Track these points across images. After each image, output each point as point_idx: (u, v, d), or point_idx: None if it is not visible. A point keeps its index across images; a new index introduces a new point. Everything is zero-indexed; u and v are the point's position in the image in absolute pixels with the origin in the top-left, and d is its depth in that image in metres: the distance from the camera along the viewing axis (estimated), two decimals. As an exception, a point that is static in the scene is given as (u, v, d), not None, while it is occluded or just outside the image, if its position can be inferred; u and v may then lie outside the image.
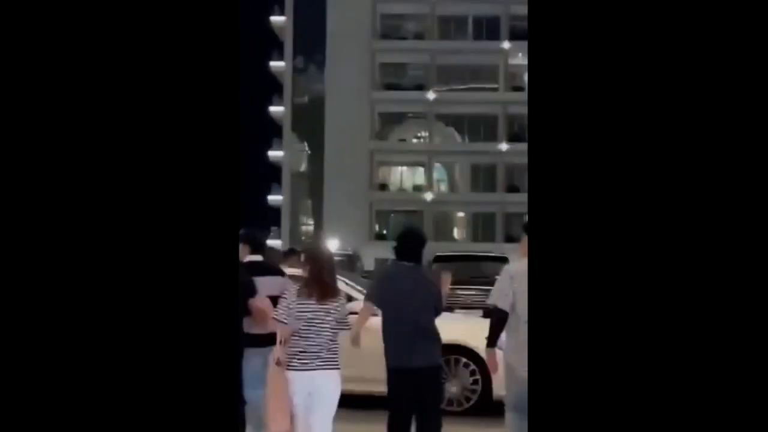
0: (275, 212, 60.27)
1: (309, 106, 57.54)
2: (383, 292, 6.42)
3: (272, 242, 53.77)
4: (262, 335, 6.44)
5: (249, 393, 6.24)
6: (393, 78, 54.55)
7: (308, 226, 57.86)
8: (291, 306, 5.56)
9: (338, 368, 5.63)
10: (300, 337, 5.55)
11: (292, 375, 5.56)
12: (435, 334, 6.43)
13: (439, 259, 18.58)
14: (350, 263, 21.41)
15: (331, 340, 5.62)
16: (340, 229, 49.86)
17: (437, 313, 6.51)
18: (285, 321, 5.56)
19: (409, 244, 6.58)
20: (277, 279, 6.94)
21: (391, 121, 54.47)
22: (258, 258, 7.03)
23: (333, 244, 50.36)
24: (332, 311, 5.63)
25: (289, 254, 10.59)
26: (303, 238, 55.65)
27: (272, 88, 60.10)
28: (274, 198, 60.16)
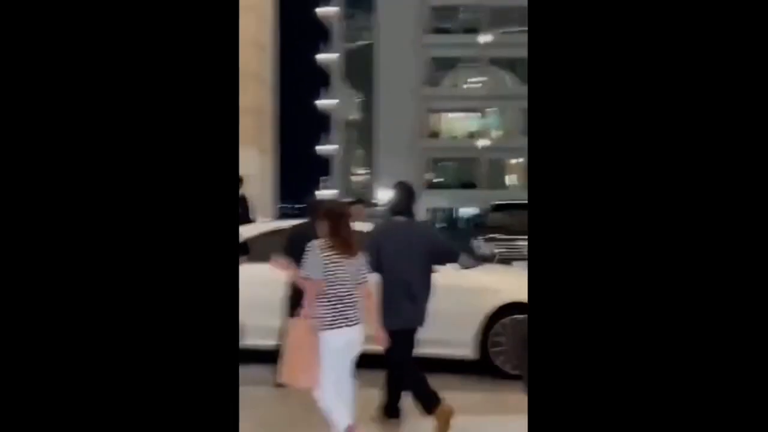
0: (325, 162, 59.82)
1: (358, 53, 56.65)
2: (379, 250, 6.32)
3: (324, 192, 53.27)
4: None
5: None
6: (444, 22, 53.20)
7: (359, 175, 57.26)
8: (316, 262, 5.53)
9: (361, 322, 5.69)
10: (329, 294, 5.55)
11: (326, 333, 5.55)
12: (428, 292, 6.47)
13: (496, 208, 17.88)
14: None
15: (357, 295, 5.69)
16: (392, 178, 48.94)
17: (446, 259, 6.61)
18: (314, 276, 5.53)
19: (400, 198, 6.57)
20: None
21: (443, 66, 53.25)
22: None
23: (385, 194, 49.84)
24: (355, 266, 5.69)
25: (356, 204, 10.55)
26: (355, 188, 55.11)
27: (320, 35, 59.26)
28: (323, 148, 59.69)
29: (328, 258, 5.58)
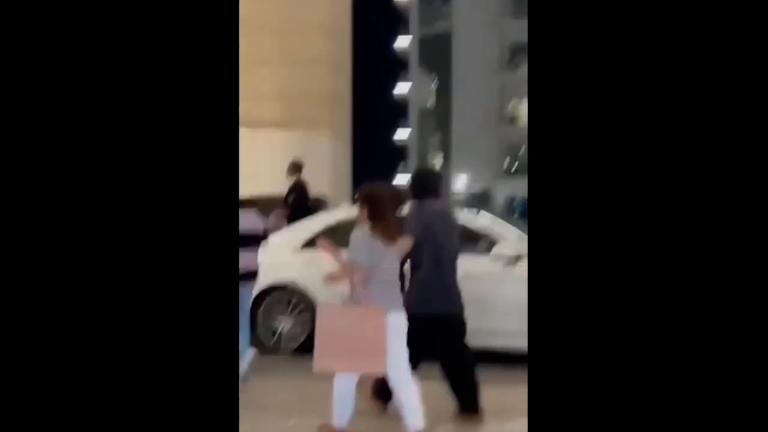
0: (401, 150, 59.61)
1: (435, 39, 56.18)
2: (428, 231, 6.08)
3: (400, 179, 53.08)
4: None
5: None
6: (522, 6, 52.36)
7: (437, 162, 56.88)
8: (362, 247, 5.42)
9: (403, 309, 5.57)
10: (371, 281, 5.43)
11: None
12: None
13: None
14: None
15: (398, 281, 5.60)
16: (469, 165, 48.65)
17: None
18: (360, 263, 5.40)
19: (428, 181, 6.43)
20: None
21: (520, 51, 52.44)
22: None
23: (462, 181, 49.36)
24: (396, 252, 5.58)
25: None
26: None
27: (396, 21, 58.95)
28: (401, 135, 59.48)
29: (372, 248, 5.45)
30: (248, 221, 7.17)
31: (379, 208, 5.54)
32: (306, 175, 13.66)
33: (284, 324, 9.05)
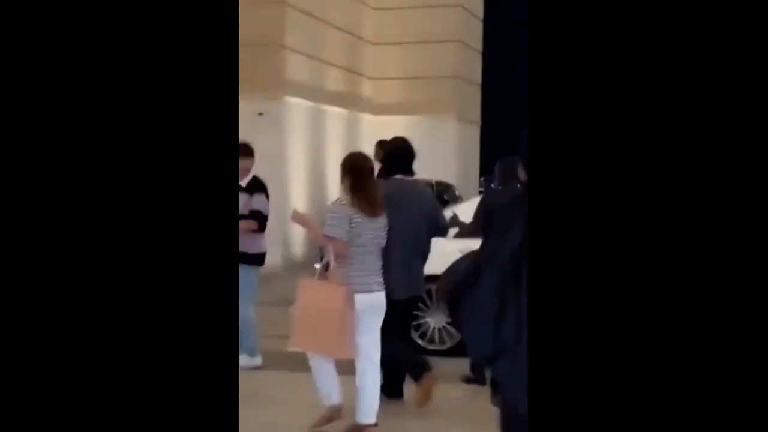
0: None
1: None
2: (390, 209, 5.47)
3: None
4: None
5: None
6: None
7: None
8: (341, 221, 5.11)
9: (383, 289, 5.29)
10: (353, 256, 5.14)
11: (358, 296, 5.15)
12: (425, 258, 5.98)
13: None
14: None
15: (380, 258, 5.28)
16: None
17: (439, 232, 6.07)
18: (337, 236, 5.09)
19: (400, 154, 6.03)
20: None
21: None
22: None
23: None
24: (378, 227, 5.24)
25: None
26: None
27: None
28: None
29: (354, 220, 5.11)
30: (259, 203, 6.90)
31: (361, 177, 5.18)
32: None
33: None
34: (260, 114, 14.82)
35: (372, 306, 5.19)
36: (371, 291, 5.18)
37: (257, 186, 6.90)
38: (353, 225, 5.11)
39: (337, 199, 5.29)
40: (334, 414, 5.32)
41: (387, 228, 5.31)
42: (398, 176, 5.94)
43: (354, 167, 5.23)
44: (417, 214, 5.81)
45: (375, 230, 5.21)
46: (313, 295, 5.18)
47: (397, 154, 6.07)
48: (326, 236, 5.15)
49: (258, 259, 6.94)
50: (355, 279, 5.14)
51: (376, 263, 5.23)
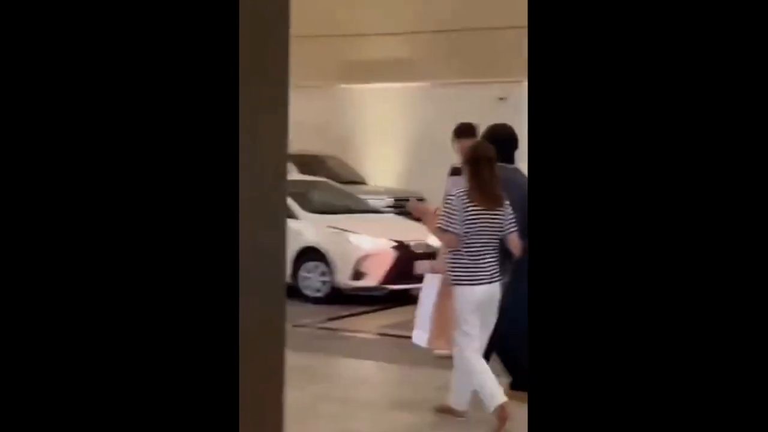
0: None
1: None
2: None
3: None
4: None
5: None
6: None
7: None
8: (455, 213, 4.96)
9: (500, 280, 5.13)
10: (467, 249, 4.98)
11: (462, 289, 5.01)
12: None
13: None
14: None
15: (497, 250, 5.08)
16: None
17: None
18: (452, 229, 4.96)
19: (502, 141, 5.65)
20: None
21: None
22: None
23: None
24: (498, 219, 5.03)
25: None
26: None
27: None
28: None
29: (470, 212, 4.95)
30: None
31: (480, 169, 5.00)
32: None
33: None
34: (501, 99, 14.69)
35: (483, 299, 5.01)
36: (482, 283, 4.99)
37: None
38: (469, 217, 4.94)
39: (457, 190, 5.04)
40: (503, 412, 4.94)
41: (507, 220, 5.08)
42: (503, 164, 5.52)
43: (474, 157, 5.05)
44: (522, 205, 5.18)
45: (493, 222, 5.01)
46: (431, 288, 5.20)
47: (499, 140, 5.64)
48: (440, 228, 5.03)
49: None
50: (464, 273, 4.99)
51: (492, 256, 5.04)
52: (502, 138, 5.77)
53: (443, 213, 5.04)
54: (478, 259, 4.97)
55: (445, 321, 5.17)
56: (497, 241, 5.06)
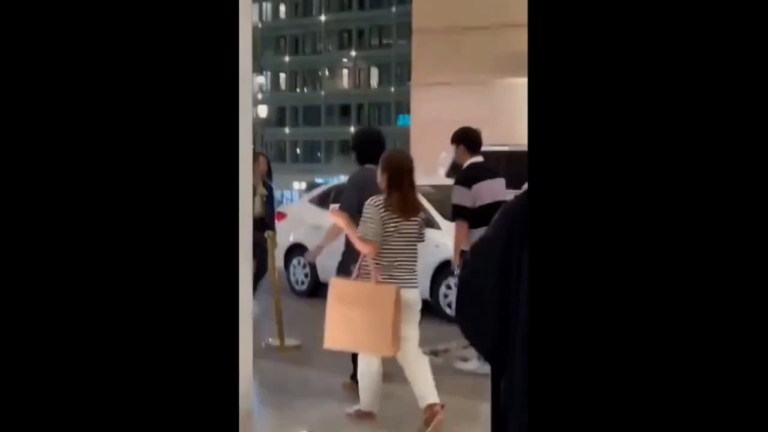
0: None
1: None
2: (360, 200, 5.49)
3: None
4: None
5: None
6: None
7: None
8: (374, 222, 5.09)
9: (418, 286, 5.33)
10: (384, 256, 5.14)
11: None
12: None
13: None
14: None
15: (414, 256, 5.28)
16: None
17: None
18: (371, 238, 5.10)
19: (370, 143, 5.97)
20: (498, 182, 6.56)
21: None
22: (478, 159, 6.53)
23: None
24: (415, 227, 5.24)
25: None
26: None
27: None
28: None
29: (386, 218, 5.10)
30: (500, 189, 6.56)
31: (399, 177, 5.15)
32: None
33: None
34: None
35: (414, 301, 5.24)
36: (412, 287, 5.22)
37: None
38: (387, 226, 5.12)
39: (372, 198, 5.19)
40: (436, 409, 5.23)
41: (422, 226, 5.34)
42: (370, 166, 5.75)
43: (389, 166, 5.20)
44: None
45: (410, 230, 5.21)
46: (352, 293, 5.18)
47: (368, 143, 6.03)
48: (359, 237, 5.14)
49: None
50: (397, 276, 5.17)
51: (408, 263, 5.23)
52: (370, 140, 6.05)
53: (362, 221, 5.17)
54: (395, 266, 5.14)
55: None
56: (414, 248, 5.26)
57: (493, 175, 6.59)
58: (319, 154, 71.10)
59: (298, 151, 72.28)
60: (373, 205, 5.13)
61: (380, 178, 5.20)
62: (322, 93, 70.37)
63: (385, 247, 5.12)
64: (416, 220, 5.24)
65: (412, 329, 5.25)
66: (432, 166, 12.14)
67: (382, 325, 5.04)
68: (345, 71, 70.46)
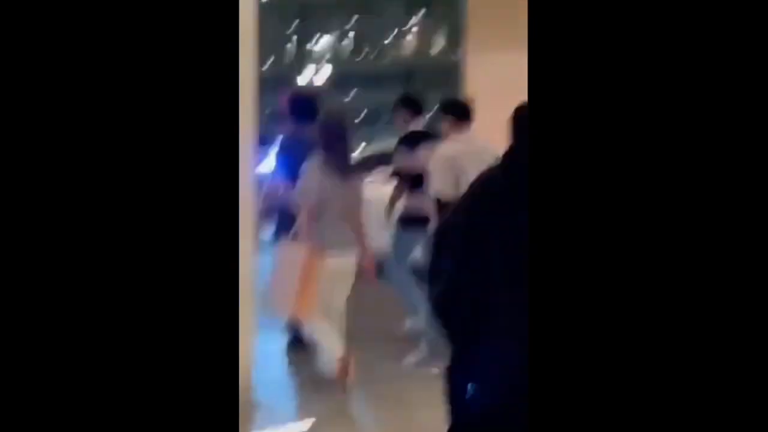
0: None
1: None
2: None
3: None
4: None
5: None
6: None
7: None
8: (310, 183, 5.00)
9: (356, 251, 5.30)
10: (322, 218, 5.04)
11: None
12: None
13: None
14: None
15: (354, 222, 5.18)
16: None
17: None
18: (306, 200, 5.03)
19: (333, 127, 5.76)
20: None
21: None
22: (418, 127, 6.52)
23: None
24: (353, 188, 5.15)
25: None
26: None
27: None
28: None
29: (322, 179, 4.98)
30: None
31: (333, 136, 5.07)
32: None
33: None
34: None
35: (334, 269, 5.12)
36: (334, 254, 5.08)
37: None
38: (323, 187, 5.00)
39: (310, 161, 5.13)
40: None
41: (362, 189, 5.24)
42: None
43: (325, 126, 5.14)
44: None
45: (347, 193, 5.08)
46: (285, 255, 5.14)
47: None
48: (298, 198, 5.09)
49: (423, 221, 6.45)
50: (319, 242, 5.03)
51: (343, 227, 5.11)
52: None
53: (299, 183, 5.09)
54: (329, 230, 5.06)
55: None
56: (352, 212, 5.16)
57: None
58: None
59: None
60: (309, 166, 5.05)
61: (318, 138, 5.11)
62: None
63: (321, 208, 5.04)
64: (354, 182, 5.19)
65: (333, 297, 5.19)
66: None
67: (289, 285, 5.02)
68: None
